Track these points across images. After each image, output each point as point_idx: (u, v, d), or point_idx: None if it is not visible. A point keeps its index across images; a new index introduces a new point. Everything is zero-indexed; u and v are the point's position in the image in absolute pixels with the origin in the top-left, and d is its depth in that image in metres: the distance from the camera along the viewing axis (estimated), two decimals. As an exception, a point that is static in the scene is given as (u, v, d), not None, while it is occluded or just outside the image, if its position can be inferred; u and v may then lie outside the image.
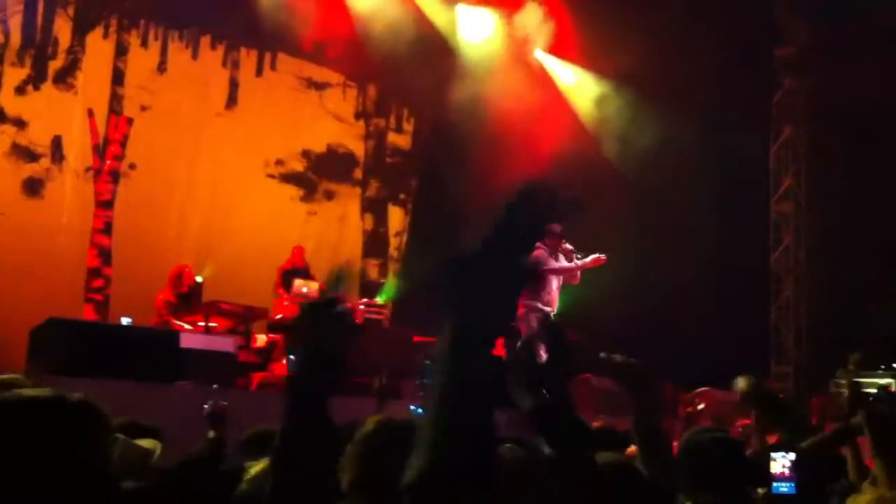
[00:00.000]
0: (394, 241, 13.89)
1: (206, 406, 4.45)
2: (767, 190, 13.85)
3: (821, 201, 13.27)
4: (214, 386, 7.56)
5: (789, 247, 13.63)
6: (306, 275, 10.61)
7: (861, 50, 12.33)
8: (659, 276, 12.19)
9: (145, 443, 3.60)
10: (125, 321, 8.85)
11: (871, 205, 12.07)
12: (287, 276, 10.52)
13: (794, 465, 3.26)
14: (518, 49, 13.41)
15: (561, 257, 9.32)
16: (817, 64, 13.38)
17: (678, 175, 11.87)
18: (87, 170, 11.37)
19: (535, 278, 8.94)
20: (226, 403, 4.47)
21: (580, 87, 13.64)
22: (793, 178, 13.78)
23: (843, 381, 10.71)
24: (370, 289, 12.49)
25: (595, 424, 4.88)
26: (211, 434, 4.33)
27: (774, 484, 3.23)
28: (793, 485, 3.23)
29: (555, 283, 9.32)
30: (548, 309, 9.20)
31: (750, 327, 12.78)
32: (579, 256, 9.31)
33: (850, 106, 12.39)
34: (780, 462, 3.28)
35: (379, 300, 11.00)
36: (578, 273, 9.39)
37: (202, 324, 9.11)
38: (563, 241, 9.30)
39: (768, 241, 13.70)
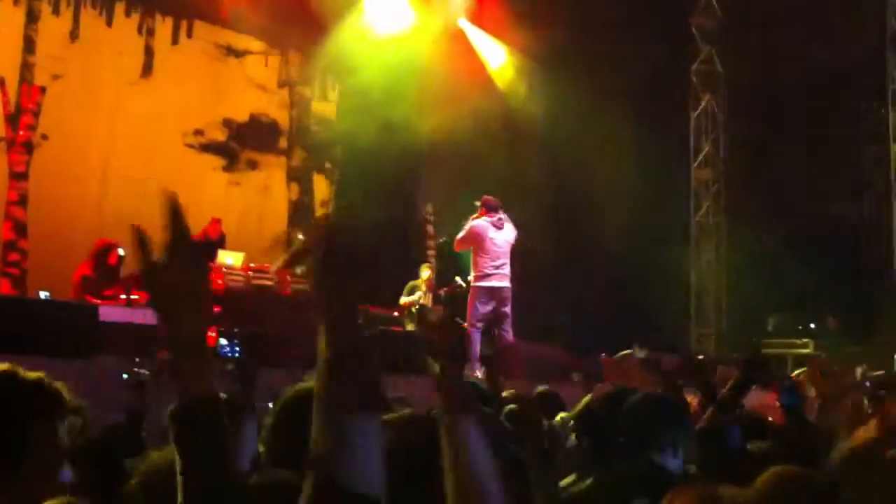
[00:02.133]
0: (320, 211, 13.78)
1: (124, 376, 4.36)
2: (688, 157, 14.12)
3: (739, 167, 13.58)
4: (136, 360, 7.44)
5: (709, 212, 13.93)
6: (221, 245, 10.46)
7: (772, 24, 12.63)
8: (582, 246, 12.38)
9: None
10: (43, 295, 8.64)
11: (787, 169, 12.40)
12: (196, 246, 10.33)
13: None
14: (442, 17, 13.37)
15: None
16: (734, 34, 13.63)
17: (598, 145, 12.04)
18: (0, 140, 11.01)
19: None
20: (146, 372, 4.38)
21: (500, 59, 13.71)
22: (711, 145, 14.05)
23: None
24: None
25: (539, 389, 4.94)
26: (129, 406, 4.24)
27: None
28: None
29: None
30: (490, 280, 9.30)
31: (671, 291, 13.05)
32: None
33: (763, 74, 12.69)
34: None
35: (299, 270, 10.86)
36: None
37: (123, 297, 8.93)
38: (496, 212, 9.36)
39: (689, 207, 13.99)
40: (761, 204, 12.75)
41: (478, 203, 9.48)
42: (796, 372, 6.23)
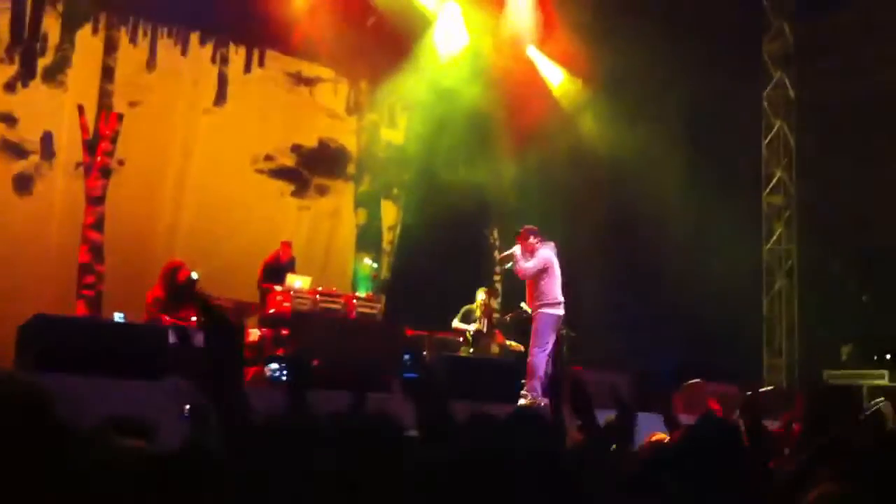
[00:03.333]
0: (387, 236, 13.89)
1: (186, 406, 4.42)
2: (759, 183, 13.91)
3: (811, 193, 13.32)
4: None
5: (780, 239, 13.68)
6: (291, 269, 10.60)
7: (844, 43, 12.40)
8: (649, 275, 12.27)
9: (133, 442, 3.58)
10: (118, 317, 8.83)
11: (861, 195, 12.11)
12: (269, 271, 10.49)
13: None
14: (510, 45, 13.48)
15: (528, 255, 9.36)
16: (805, 57, 13.43)
17: (665, 174, 11.96)
18: (78, 166, 11.35)
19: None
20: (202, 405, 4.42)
21: (566, 88, 13.75)
22: (783, 171, 13.82)
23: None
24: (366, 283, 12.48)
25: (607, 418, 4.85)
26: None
27: None
28: None
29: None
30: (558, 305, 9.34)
31: (743, 320, 12.83)
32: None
33: (837, 97, 12.45)
34: None
35: (360, 293, 10.96)
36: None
37: (194, 319, 9.10)
38: (530, 239, 9.37)
39: (760, 233, 13.76)
40: (834, 231, 12.48)
41: (520, 230, 9.52)
42: (874, 402, 6.07)
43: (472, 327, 11.18)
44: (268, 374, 8.48)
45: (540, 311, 9.30)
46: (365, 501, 2.34)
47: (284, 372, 7.89)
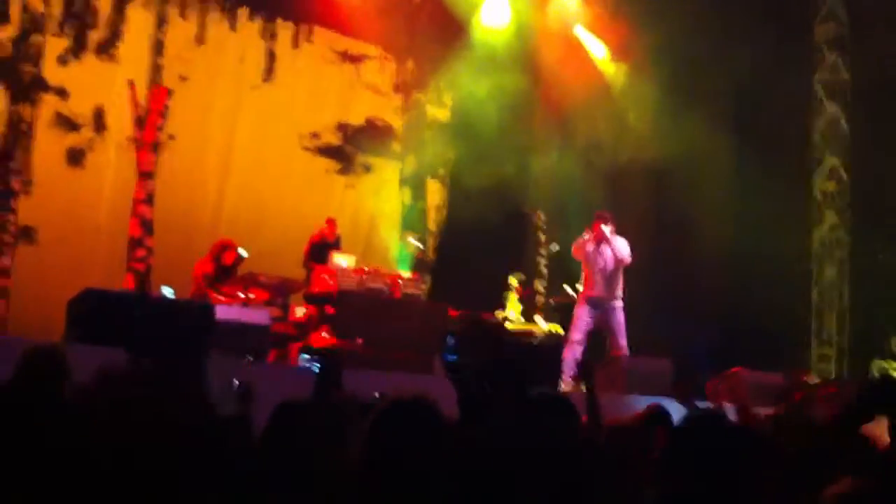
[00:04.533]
0: (432, 215, 13.86)
1: (235, 382, 4.46)
2: (811, 168, 13.63)
3: (864, 179, 13.02)
4: (249, 358, 7.63)
5: (832, 226, 13.41)
6: (337, 247, 10.62)
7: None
8: (693, 262, 12.11)
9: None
10: (166, 291, 8.93)
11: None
12: (315, 249, 10.53)
13: None
14: (558, 25, 13.33)
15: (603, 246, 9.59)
16: (861, 40, 13.09)
17: (713, 156, 11.78)
18: (129, 140, 11.45)
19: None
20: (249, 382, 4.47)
21: (612, 68, 13.57)
22: (837, 157, 13.54)
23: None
24: (411, 263, 12.48)
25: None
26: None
27: None
28: None
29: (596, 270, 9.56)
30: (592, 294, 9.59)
31: (791, 308, 12.63)
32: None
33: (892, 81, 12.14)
34: None
35: (404, 272, 10.98)
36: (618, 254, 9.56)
37: (241, 295, 9.18)
38: (603, 224, 9.55)
39: (811, 220, 13.49)
40: (888, 217, 12.21)
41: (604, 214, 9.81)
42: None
43: (507, 313, 11.14)
44: (301, 362, 8.55)
45: (621, 301, 9.57)
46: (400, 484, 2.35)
47: (316, 364, 7.96)
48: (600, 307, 9.56)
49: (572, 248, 9.82)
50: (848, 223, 13.25)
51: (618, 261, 9.56)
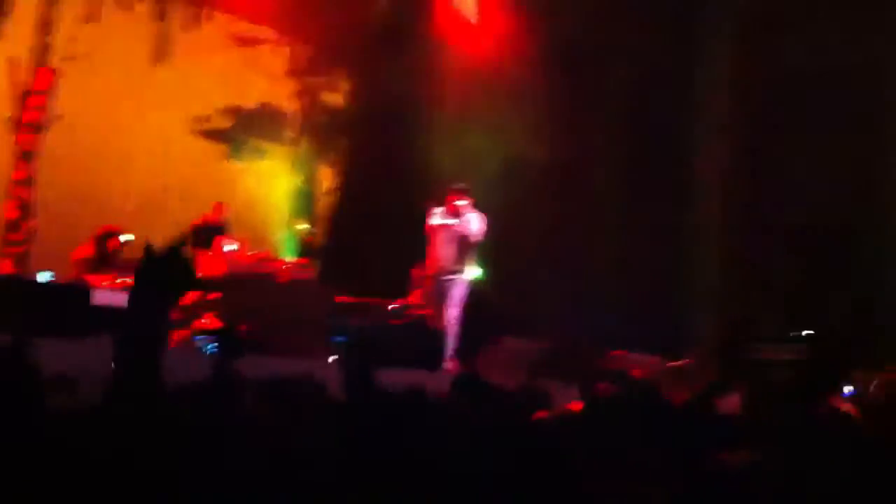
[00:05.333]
0: (323, 201, 13.89)
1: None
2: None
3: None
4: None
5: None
6: (222, 231, 10.58)
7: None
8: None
9: None
10: (44, 276, 8.79)
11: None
12: (198, 233, 10.45)
13: None
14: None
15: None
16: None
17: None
18: (10, 120, 11.18)
19: None
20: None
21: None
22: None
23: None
24: (299, 248, 12.50)
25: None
26: None
27: None
28: None
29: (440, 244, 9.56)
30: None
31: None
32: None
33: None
34: None
35: (289, 257, 11.04)
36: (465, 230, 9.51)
37: (119, 280, 9.07)
38: (457, 197, 9.50)
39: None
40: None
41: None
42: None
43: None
44: (197, 344, 8.48)
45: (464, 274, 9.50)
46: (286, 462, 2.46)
47: (214, 344, 7.94)
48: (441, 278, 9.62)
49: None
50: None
51: (464, 236, 9.54)
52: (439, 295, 9.53)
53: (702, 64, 13.67)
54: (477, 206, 9.64)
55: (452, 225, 9.51)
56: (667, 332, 12.29)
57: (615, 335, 10.94)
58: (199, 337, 8.58)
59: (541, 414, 4.60)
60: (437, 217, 9.60)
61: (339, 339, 9.09)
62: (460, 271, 9.56)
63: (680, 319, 12.72)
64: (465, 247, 9.56)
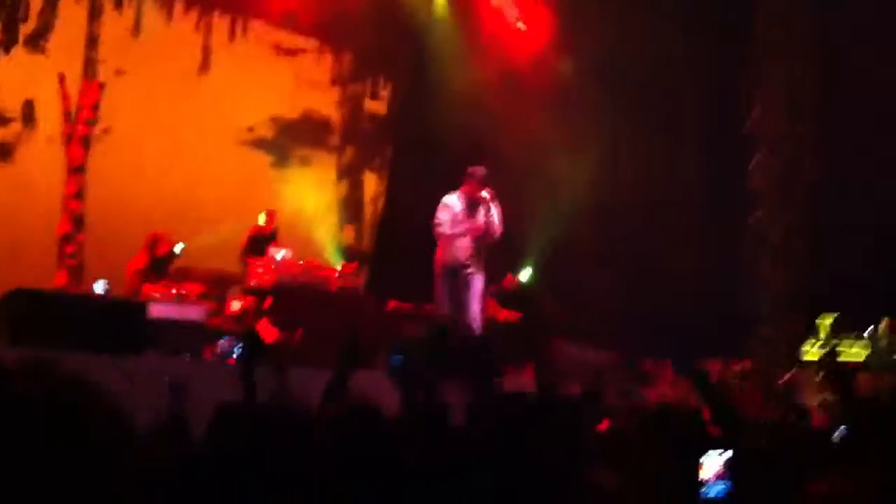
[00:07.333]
0: (369, 208, 13.90)
1: (166, 380, 4.45)
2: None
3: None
4: (187, 355, 7.61)
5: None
6: (273, 239, 10.62)
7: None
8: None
9: None
10: (99, 286, 8.86)
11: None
12: (253, 242, 10.50)
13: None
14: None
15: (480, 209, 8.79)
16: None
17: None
18: (59, 134, 11.31)
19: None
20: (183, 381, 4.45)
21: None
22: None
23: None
24: (347, 254, 12.49)
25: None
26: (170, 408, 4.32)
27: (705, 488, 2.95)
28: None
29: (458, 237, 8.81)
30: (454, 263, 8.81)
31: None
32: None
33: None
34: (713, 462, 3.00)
35: (337, 264, 11.00)
36: (492, 229, 8.78)
37: (174, 291, 9.13)
38: (483, 187, 8.74)
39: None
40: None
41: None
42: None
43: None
44: (219, 349, 8.26)
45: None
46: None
47: (237, 348, 7.83)
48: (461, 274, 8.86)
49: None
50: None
51: (490, 234, 8.80)
52: (458, 292, 8.76)
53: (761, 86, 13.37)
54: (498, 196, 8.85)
55: (477, 220, 8.75)
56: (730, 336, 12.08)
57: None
58: (222, 340, 8.29)
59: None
60: (453, 208, 8.77)
61: (397, 359, 8.93)
62: (480, 266, 8.90)
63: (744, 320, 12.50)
64: (485, 242, 8.84)
